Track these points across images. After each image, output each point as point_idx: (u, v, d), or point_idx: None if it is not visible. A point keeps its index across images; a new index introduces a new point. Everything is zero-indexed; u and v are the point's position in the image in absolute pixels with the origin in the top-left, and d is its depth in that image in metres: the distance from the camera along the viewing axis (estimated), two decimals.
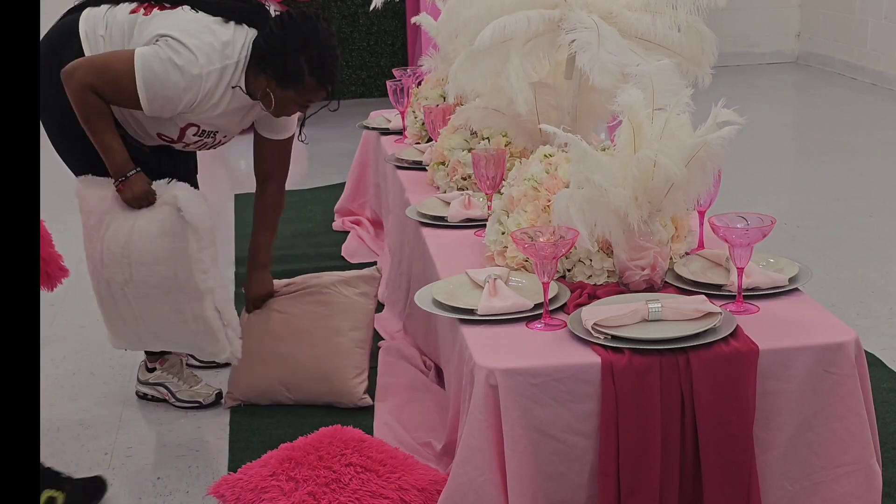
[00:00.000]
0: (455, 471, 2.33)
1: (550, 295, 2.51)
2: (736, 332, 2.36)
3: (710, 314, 2.39)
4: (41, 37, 3.18)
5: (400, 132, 4.47)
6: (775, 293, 2.56)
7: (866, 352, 3.28)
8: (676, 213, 2.62)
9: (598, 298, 2.52)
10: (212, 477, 2.95)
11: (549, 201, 2.66)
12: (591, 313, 2.39)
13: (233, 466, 2.91)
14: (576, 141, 2.45)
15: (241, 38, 2.96)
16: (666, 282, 2.61)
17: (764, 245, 2.55)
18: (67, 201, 5.79)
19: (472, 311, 2.52)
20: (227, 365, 3.42)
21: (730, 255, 2.48)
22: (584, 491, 2.34)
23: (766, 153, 6.41)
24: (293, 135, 3.29)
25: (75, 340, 3.94)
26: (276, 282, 3.37)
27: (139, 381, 3.43)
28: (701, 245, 2.84)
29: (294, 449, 2.57)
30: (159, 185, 3.09)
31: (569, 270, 2.66)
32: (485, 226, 2.96)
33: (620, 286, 2.59)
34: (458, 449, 2.35)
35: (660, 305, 2.40)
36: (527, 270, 2.69)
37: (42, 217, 5.56)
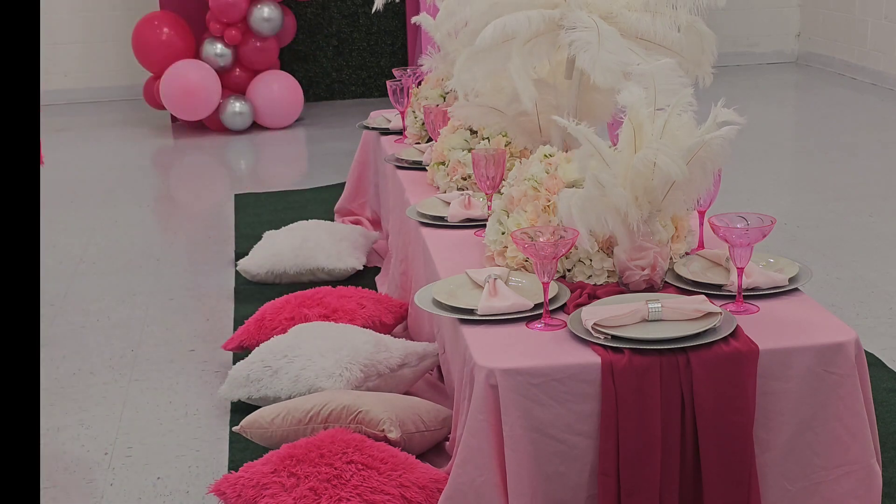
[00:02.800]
0: (455, 471, 2.33)
1: (550, 295, 2.52)
2: (736, 332, 2.36)
3: (710, 314, 2.40)
4: None
5: (400, 132, 4.47)
6: (775, 293, 2.56)
7: (866, 352, 3.29)
8: (676, 213, 2.62)
9: (598, 298, 2.53)
10: (212, 477, 2.95)
11: (549, 201, 2.67)
12: (591, 313, 2.39)
13: (233, 466, 2.91)
14: (589, 135, 2.45)
15: None
16: (666, 282, 2.61)
17: (764, 245, 2.55)
18: (67, 201, 5.82)
19: (472, 311, 2.52)
20: None
21: (730, 255, 2.48)
22: (583, 491, 2.34)
23: (766, 153, 6.41)
24: None
25: (75, 340, 3.95)
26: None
27: None
28: (701, 245, 2.84)
29: (296, 447, 2.58)
30: None
31: (569, 270, 2.66)
32: (485, 226, 2.96)
33: (620, 286, 2.59)
34: (457, 449, 2.35)
35: (660, 305, 2.40)
36: (527, 270, 2.70)
37: (42, 217, 5.60)
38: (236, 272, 4.45)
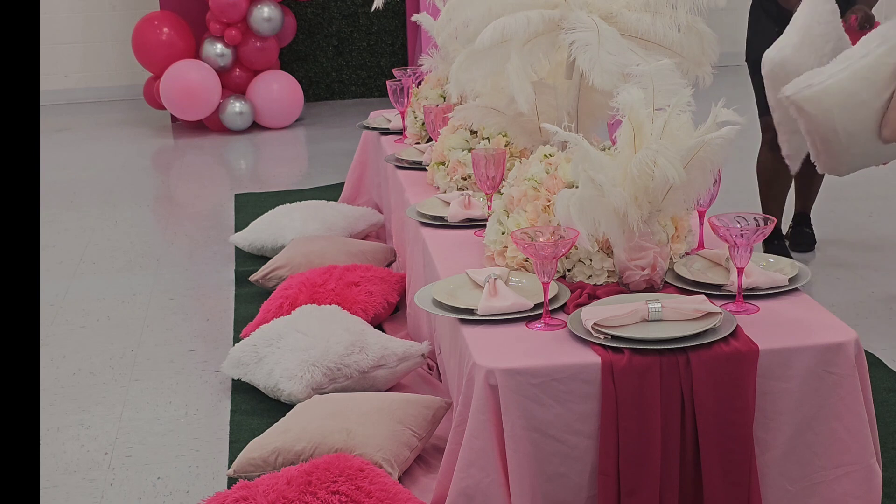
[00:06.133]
0: (458, 475, 2.32)
1: (550, 295, 2.52)
2: (736, 332, 2.36)
3: (710, 314, 2.40)
4: None
5: (400, 132, 4.47)
6: (775, 293, 2.56)
7: (866, 352, 3.29)
8: (676, 213, 2.62)
9: (598, 298, 2.53)
10: (212, 477, 2.95)
11: (549, 201, 2.67)
12: (591, 313, 2.39)
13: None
14: (577, 140, 2.45)
15: None
16: (666, 282, 2.61)
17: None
18: (67, 201, 5.82)
19: (472, 311, 2.52)
20: None
21: (730, 255, 2.48)
22: (584, 491, 2.34)
23: None
24: None
25: (75, 340, 3.95)
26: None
27: None
28: (701, 245, 2.84)
29: (291, 470, 2.55)
30: None
31: (569, 270, 2.66)
32: (485, 226, 2.96)
33: (620, 286, 2.59)
34: (460, 451, 2.34)
35: (660, 305, 2.40)
36: (527, 270, 2.70)
37: (42, 217, 5.60)
38: (236, 272, 4.45)
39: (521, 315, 2.49)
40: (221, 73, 7.20)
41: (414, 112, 4.27)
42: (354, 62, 8.32)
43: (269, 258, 4.45)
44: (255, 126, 7.39)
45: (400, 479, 2.73)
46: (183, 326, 4.04)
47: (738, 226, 2.45)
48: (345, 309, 3.54)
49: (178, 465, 3.05)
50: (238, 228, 5.07)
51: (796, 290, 2.59)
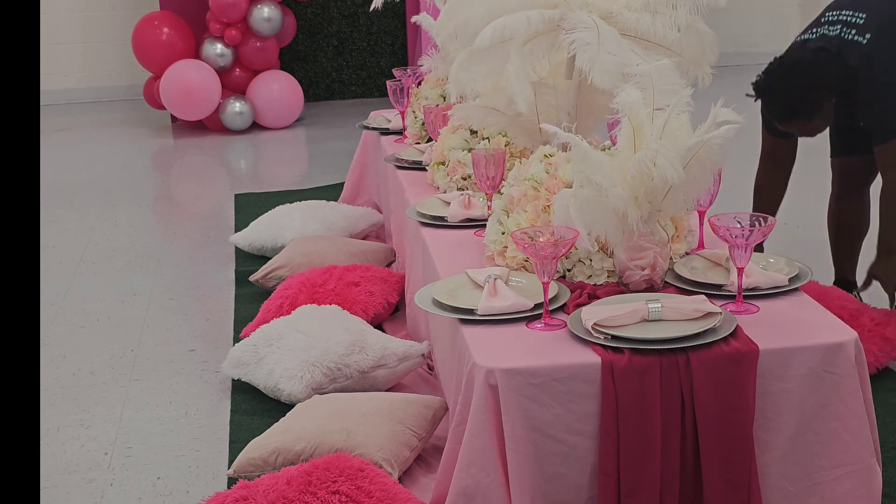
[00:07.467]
0: (458, 475, 2.32)
1: (550, 295, 2.51)
2: (736, 332, 2.36)
3: (710, 314, 2.40)
4: None
5: (400, 132, 4.47)
6: (775, 293, 2.56)
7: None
8: (676, 213, 2.62)
9: (598, 298, 2.53)
10: (212, 477, 2.95)
11: (549, 201, 2.67)
12: (591, 313, 2.39)
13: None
14: (577, 141, 2.45)
15: None
16: (666, 282, 2.61)
17: (764, 245, 2.55)
18: (67, 201, 5.82)
19: (472, 311, 2.52)
20: None
21: (730, 255, 2.48)
22: (584, 491, 2.34)
23: None
24: None
25: (75, 340, 3.95)
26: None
27: None
28: (701, 245, 2.84)
29: (291, 470, 2.55)
30: None
31: (569, 270, 2.66)
32: (485, 226, 2.96)
33: (620, 286, 2.59)
34: (460, 451, 2.34)
35: (660, 305, 2.40)
36: (527, 270, 2.70)
37: (42, 217, 5.60)
38: (236, 273, 4.45)
39: (521, 315, 2.49)
40: (221, 73, 7.20)
41: (414, 112, 4.27)
42: (354, 62, 8.31)
43: (269, 258, 4.45)
44: (255, 126, 7.39)
45: (400, 479, 2.73)
46: (183, 326, 4.04)
47: (739, 226, 2.45)
48: (345, 309, 3.54)
49: (178, 465, 3.05)
50: (238, 228, 5.07)
51: (796, 290, 2.59)
